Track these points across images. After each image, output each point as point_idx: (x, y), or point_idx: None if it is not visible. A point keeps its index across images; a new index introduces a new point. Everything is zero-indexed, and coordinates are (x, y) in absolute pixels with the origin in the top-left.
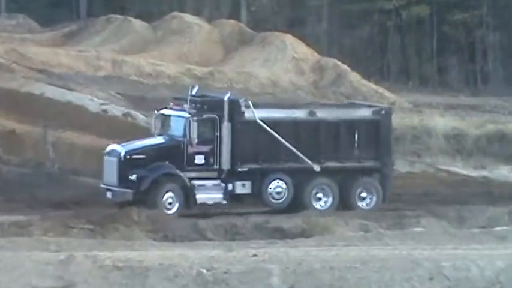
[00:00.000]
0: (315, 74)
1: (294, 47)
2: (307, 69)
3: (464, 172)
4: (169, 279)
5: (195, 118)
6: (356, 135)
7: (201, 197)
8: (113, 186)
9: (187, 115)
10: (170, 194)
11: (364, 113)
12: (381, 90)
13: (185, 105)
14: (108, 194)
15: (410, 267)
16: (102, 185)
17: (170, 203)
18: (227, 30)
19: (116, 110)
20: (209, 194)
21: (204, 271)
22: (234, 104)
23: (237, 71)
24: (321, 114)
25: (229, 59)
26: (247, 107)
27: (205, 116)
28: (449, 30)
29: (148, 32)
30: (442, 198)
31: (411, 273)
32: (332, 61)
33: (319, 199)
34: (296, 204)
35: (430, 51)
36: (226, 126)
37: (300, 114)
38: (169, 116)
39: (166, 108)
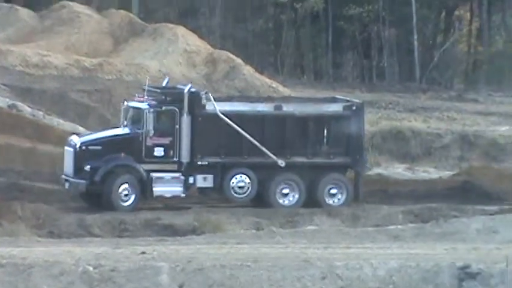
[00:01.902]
0: (207, 67)
1: (186, 39)
2: (200, 61)
3: None
4: (54, 276)
5: (152, 110)
6: (325, 131)
7: (158, 189)
8: (70, 177)
9: (145, 107)
10: (126, 185)
11: (334, 108)
12: (274, 84)
13: (146, 97)
14: (66, 185)
15: (303, 266)
16: (62, 176)
17: (126, 195)
18: (117, 20)
19: (1, 101)
20: (167, 186)
21: (91, 268)
22: (194, 97)
23: (127, 63)
24: (288, 108)
25: (119, 50)
26: (208, 99)
27: (164, 108)
28: (344, 25)
29: (36, 21)
30: None
31: (303, 272)
32: (225, 54)
33: (286, 195)
34: (261, 199)
35: (325, 46)
36: (186, 118)
37: (265, 108)
38: (132, 107)
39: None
